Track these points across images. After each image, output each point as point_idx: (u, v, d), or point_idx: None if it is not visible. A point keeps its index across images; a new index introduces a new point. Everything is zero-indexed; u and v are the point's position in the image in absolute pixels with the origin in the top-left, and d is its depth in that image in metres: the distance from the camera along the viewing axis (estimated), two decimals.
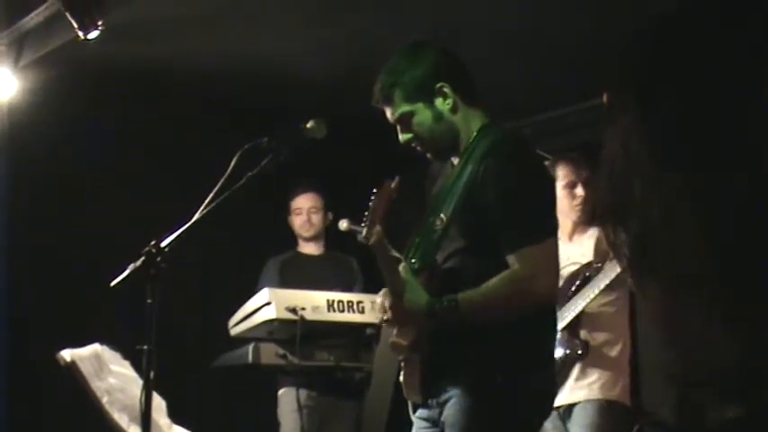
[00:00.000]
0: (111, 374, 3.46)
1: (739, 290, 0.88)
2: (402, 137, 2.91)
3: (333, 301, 4.85)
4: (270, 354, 4.76)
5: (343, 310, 4.85)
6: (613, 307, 4.24)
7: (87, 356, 3.45)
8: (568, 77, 5.24)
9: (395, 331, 2.88)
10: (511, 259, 2.76)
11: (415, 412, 3.01)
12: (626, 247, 0.94)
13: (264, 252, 5.64)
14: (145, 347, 2.95)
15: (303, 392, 5.00)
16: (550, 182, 3.00)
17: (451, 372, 2.82)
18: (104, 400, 3.36)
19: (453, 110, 2.86)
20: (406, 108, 2.85)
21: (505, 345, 2.77)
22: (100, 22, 4.43)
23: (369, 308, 4.91)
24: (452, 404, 2.81)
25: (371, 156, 6.66)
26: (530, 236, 2.77)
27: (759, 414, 0.88)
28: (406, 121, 2.87)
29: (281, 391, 5.25)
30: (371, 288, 5.25)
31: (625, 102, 0.92)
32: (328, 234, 5.60)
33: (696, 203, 0.88)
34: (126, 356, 3.55)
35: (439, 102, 2.85)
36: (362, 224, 2.91)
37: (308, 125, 3.17)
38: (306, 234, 5.56)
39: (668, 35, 0.91)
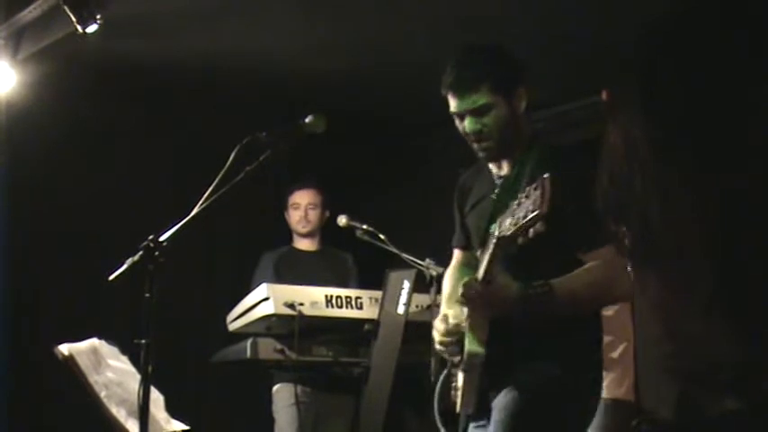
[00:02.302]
0: (108, 369, 3.46)
1: (738, 288, 0.88)
2: (471, 126, 2.91)
3: (331, 296, 4.85)
4: (268, 349, 4.77)
5: (341, 306, 4.86)
6: (614, 307, 4.23)
7: (85, 350, 3.45)
8: (568, 73, 5.24)
9: (467, 341, 2.83)
10: (589, 257, 2.77)
11: (445, 426, 3.02)
12: (627, 239, 0.94)
13: (264, 247, 5.64)
14: (143, 342, 2.95)
15: (299, 388, 5.01)
16: None
17: (514, 367, 2.82)
18: (102, 394, 3.36)
19: (521, 115, 2.95)
20: (490, 99, 2.88)
21: (577, 343, 2.83)
22: (98, 16, 4.42)
23: (367, 303, 4.91)
24: (508, 390, 2.82)
25: (369, 153, 6.66)
26: (603, 236, 2.77)
27: (757, 405, 0.88)
28: (483, 111, 2.89)
29: (275, 387, 5.24)
30: (366, 284, 5.26)
31: (627, 100, 0.92)
32: (324, 230, 5.60)
33: (696, 202, 0.88)
34: (124, 351, 3.56)
35: (515, 102, 2.92)
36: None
37: (307, 120, 3.17)
38: (302, 230, 5.55)
39: (670, 36, 0.91)
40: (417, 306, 4.77)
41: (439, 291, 4.46)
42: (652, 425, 1.06)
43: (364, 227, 4.81)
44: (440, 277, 4.43)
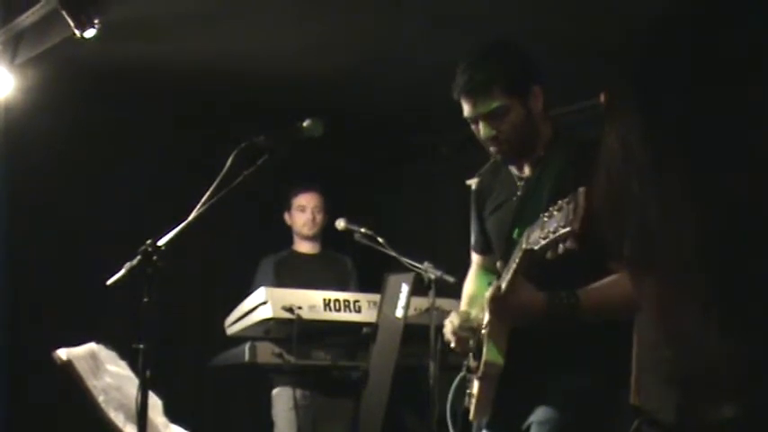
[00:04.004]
0: (107, 373, 3.46)
1: (737, 292, 0.88)
2: (486, 132, 2.78)
3: (329, 300, 4.85)
4: (266, 353, 4.76)
5: (339, 310, 4.85)
6: None
7: (83, 355, 3.44)
8: (565, 76, 5.24)
9: (485, 350, 2.72)
10: (619, 266, 2.59)
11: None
12: (624, 244, 0.94)
13: (263, 251, 5.63)
14: (141, 346, 2.95)
15: (298, 392, 5.01)
16: None
17: (545, 379, 2.73)
18: (100, 399, 3.35)
19: (539, 113, 2.81)
20: (503, 102, 2.74)
21: (610, 355, 2.61)
22: (96, 20, 4.42)
23: (365, 307, 4.91)
24: (548, 402, 2.71)
25: (368, 156, 6.66)
26: None
27: (754, 412, 0.88)
28: (498, 115, 2.75)
29: (275, 391, 5.24)
30: (366, 287, 5.27)
31: (624, 102, 0.92)
32: (323, 233, 5.60)
33: (695, 205, 0.87)
34: (123, 355, 3.55)
35: (531, 102, 2.79)
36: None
37: (305, 124, 3.16)
38: (308, 232, 5.54)
39: (668, 36, 0.91)
40: (416, 309, 4.77)
41: (437, 294, 4.47)
42: (652, 427, 1.06)
43: (362, 230, 4.81)
44: (438, 281, 4.44)
